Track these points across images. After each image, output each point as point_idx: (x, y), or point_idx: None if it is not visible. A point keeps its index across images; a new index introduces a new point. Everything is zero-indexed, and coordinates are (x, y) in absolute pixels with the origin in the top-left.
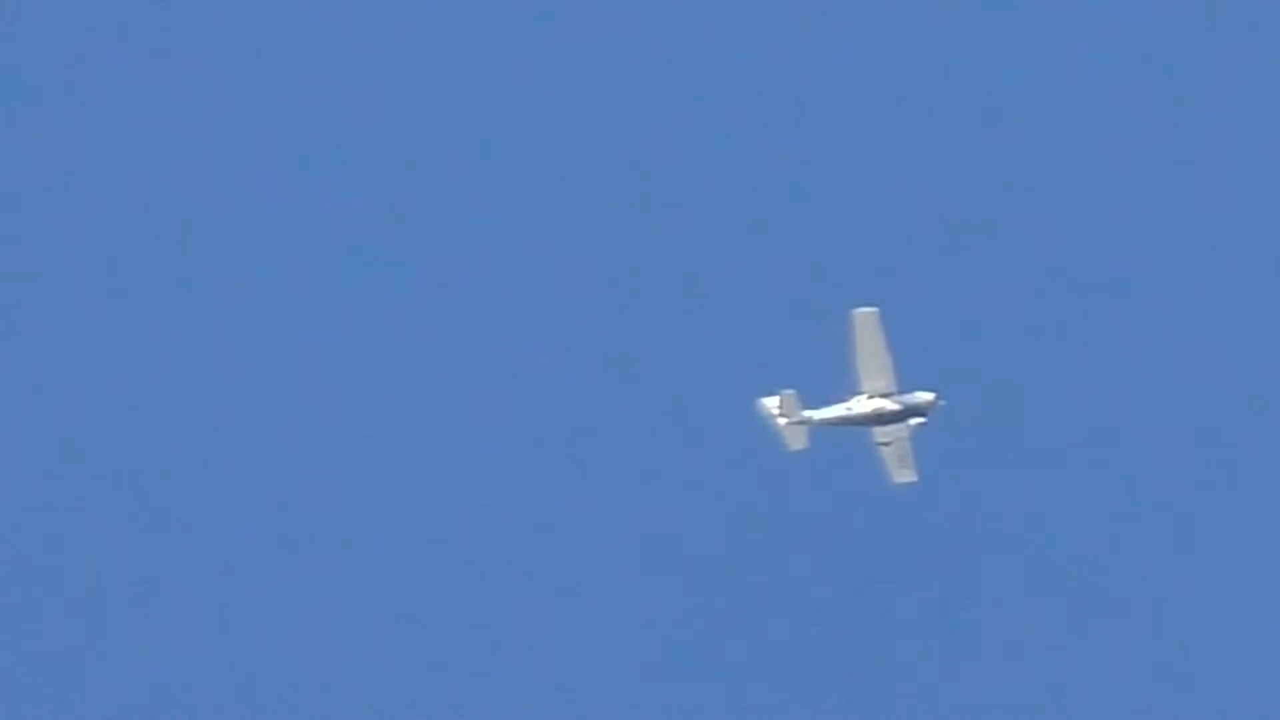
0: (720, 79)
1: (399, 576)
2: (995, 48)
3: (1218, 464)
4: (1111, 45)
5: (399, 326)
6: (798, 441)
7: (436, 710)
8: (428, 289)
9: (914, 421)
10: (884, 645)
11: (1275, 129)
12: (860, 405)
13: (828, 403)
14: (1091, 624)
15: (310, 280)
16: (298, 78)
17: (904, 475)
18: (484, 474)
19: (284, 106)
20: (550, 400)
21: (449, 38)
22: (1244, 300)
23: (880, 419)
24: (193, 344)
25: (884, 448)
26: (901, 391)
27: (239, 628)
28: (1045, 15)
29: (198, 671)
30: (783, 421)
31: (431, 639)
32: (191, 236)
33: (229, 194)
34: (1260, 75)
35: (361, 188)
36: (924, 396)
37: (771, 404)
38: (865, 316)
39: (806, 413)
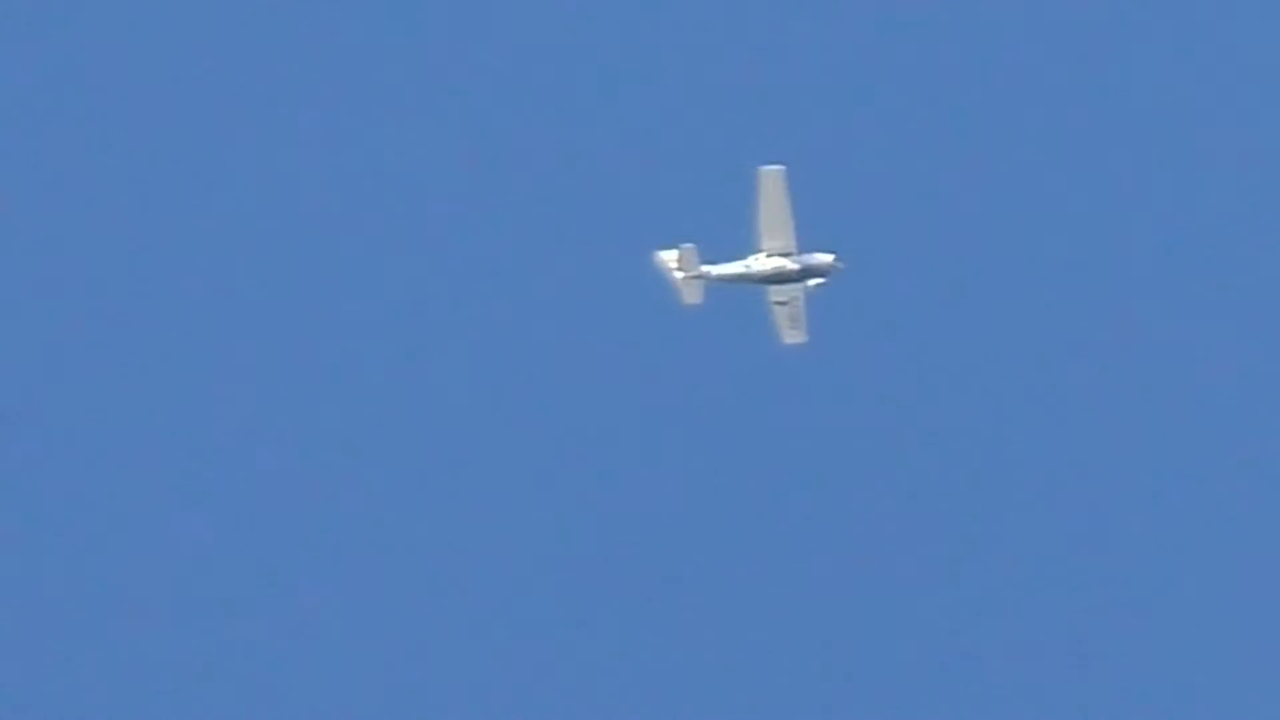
0: None
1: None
2: None
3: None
4: None
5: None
6: (693, 296)
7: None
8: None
9: (812, 282)
10: (751, 505)
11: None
12: (760, 263)
13: (728, 259)
14: (959, 512)
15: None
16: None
17: (794, 336)
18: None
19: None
20: (451, 245)
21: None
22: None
23: (779, 278)
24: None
25: (779, 307)
26: (801, 251)
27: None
28: None
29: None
30: (680, 275)
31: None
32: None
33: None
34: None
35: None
36: (823, 258)
37: (670, 257)
38: (771, 174)
39: (705, 267)
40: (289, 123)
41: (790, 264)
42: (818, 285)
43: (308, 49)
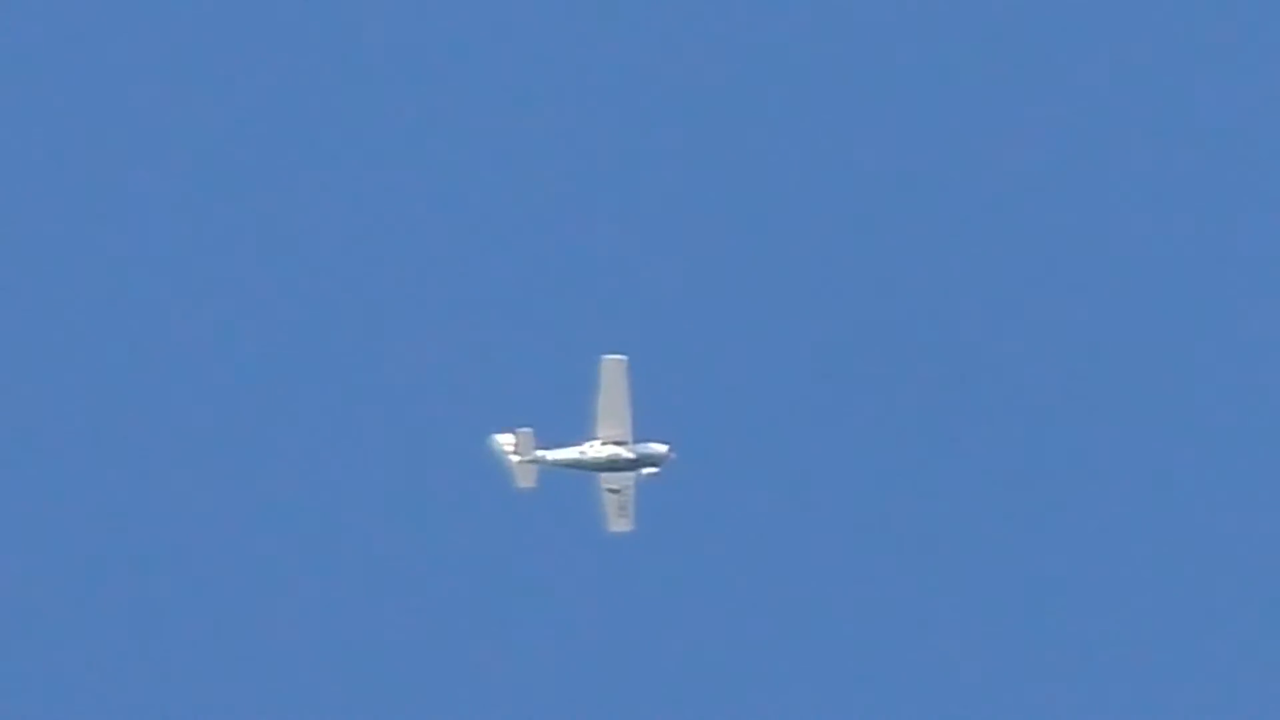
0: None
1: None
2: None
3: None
4: None
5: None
6: (526, 480)
7: None
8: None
9: (646, 471)
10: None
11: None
12: (595, 450)
13: (560, 444)
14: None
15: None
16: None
17: (621, 524)
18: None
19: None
20: (294, 411)
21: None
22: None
23: (614, 465)
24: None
25: (611, 494)
26: (636, 441)
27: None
28: None
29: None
30: (515, 459)
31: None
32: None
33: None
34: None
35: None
36: (658, 448)
37: (506, 440)
38: (613, 364)
39: (540, 452)
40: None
41: (625, 452)
42: (650, 475)
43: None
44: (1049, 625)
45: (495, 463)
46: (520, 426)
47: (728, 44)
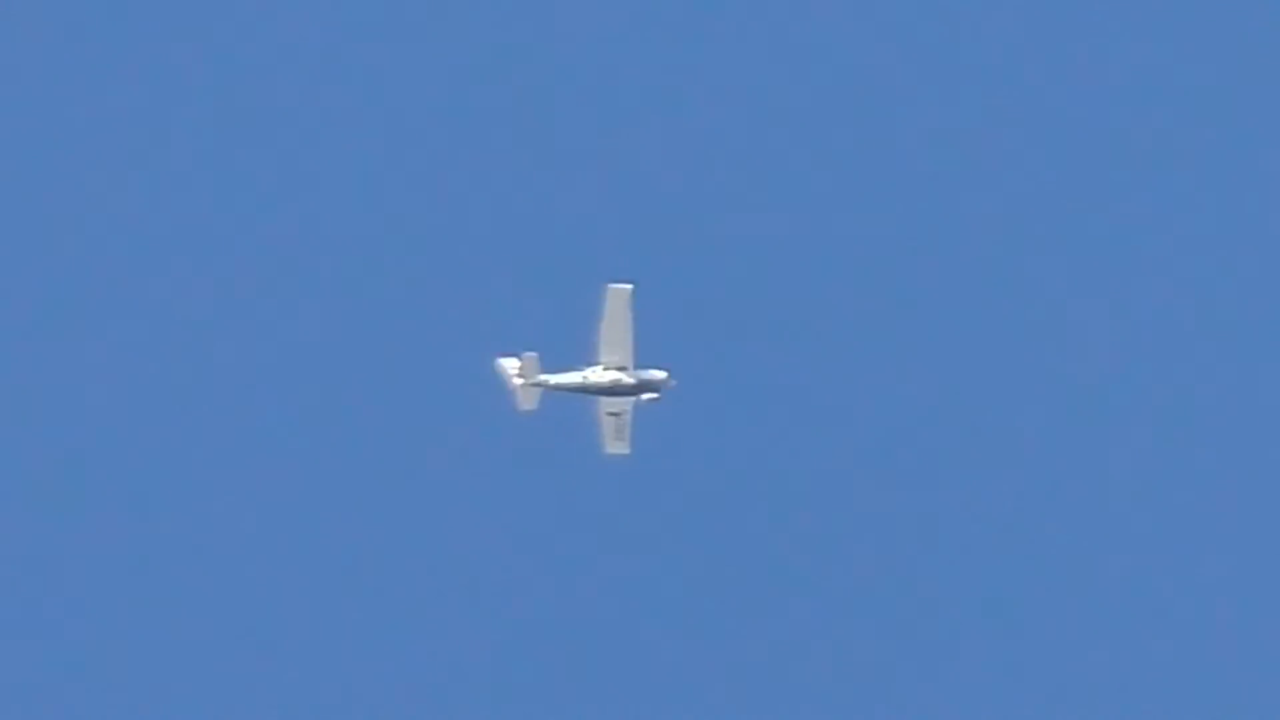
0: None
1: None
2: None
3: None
4: None
5: None
6: (529, 403)
7: None
8: None
9: (646, 397)
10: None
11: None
12: (597, 375)
13: (562, 369)
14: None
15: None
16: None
17: (618, 447)
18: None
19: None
20: (300, 337)
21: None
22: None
23: (615, 390)
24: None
25: (611, 418)
26: (637, 367)
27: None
28: None
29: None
30: (519, 382)
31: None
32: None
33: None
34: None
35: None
36: (658, 374)
37: (511, 364)
38: (618, 292)
39: (543, 376)
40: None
41: (627, 378)
42: (650, 400)
43: None
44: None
45: (499, 385)
46: (525, 351)
47: None
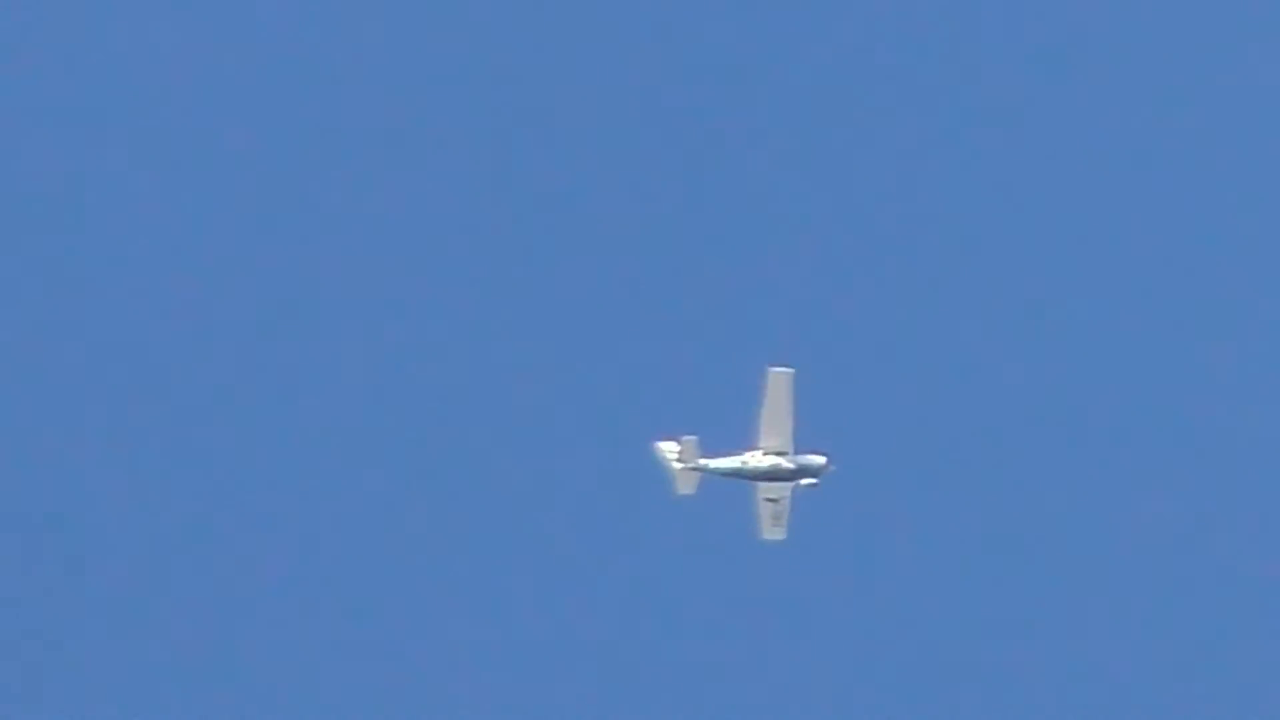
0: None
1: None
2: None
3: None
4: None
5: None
6: (687, 487)
7: None
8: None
9: (804, 482)
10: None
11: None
12: (756, 460)
13: (719, 453)
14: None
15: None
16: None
17: (774, 533)
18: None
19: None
20: (460, 418)
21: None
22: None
23: (774, 475)
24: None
25: (769, 503)
26: (796, 451)
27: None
28: None
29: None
30: (679, 466)
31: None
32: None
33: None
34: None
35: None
36: (817, 459)
37: (670, 448)
38: (780, 376)
39: (703, 460)
40: None
41: (786, 463)
42: (808, 485)
43: None
44: None
45: (659, 469)
46: (685, 435)
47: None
